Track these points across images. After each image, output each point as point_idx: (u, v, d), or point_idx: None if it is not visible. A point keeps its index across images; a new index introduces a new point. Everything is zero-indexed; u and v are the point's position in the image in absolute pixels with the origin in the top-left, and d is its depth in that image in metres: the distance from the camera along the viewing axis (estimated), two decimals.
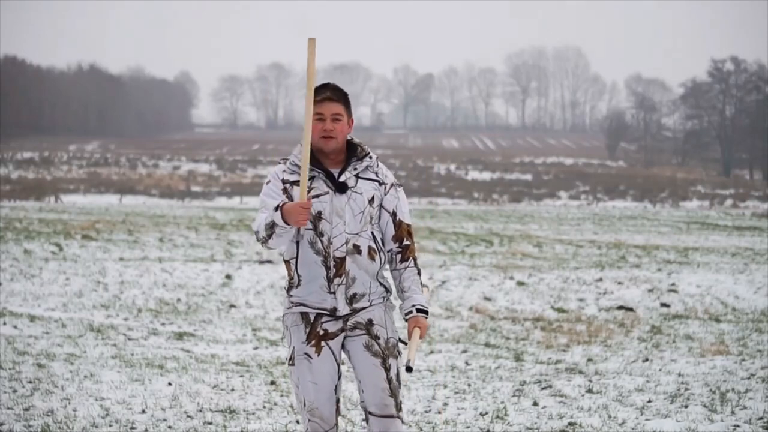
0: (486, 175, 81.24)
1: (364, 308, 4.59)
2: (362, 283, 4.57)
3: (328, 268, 4.53)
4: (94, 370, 8.73)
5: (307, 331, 4.57)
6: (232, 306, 14.02)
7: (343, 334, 4.59)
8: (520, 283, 16.49)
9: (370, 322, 4.59)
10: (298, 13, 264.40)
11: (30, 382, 8.10)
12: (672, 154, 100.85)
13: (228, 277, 16.88)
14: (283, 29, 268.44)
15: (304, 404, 4.57)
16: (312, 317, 4.58)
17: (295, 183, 4.58)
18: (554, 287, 16.11)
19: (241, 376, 8.83)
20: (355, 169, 4.62)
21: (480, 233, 30.74)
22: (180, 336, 11.30)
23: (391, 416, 4.58)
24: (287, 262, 4.62)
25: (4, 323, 11.28)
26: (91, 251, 21.09)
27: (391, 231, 4.66)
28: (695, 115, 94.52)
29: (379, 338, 4.59)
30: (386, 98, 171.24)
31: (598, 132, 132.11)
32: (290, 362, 4.61)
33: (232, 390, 8.18)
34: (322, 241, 4.53)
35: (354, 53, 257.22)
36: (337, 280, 4.54)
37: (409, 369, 4.45)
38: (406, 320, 4.66)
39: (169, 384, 8.24)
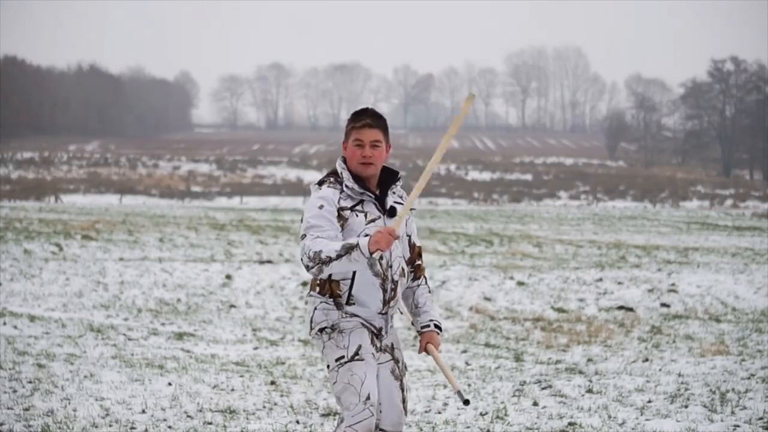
0: (486, 175, 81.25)
1: (389, 329, 4.76)
2: (399, 303, 4.76)
3: (385, 291, 4.65)
4: (94, 370, 8.72)
5: (371, 336, 4.67)
6: (232, 306, 14.02)
7: (380, 354, 4.73)
8: (520, 283, 16.49)
9: (392, 347, 4.75)
10: (297, 12, 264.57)
11: (30, 382, 8.10)
12: (672, 154, 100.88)
13: (228, 277, 16.88)
14: (282, 29, 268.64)
15: (368, 398, 4.56)
16: (369, 326, 4.69)
17: (353, 209, 4.61)
18: (554, 287, 16.11)
19: (241, 376, 8.83)
20: (394, 192, 4.77)
21: (480, 233, 30.74)
22: (180, 336, 11.30)
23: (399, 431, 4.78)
24: (335, 282, 4.63)
25: (4, 323, 11.28)
26: (91, 251, 21.09)
27: (407, 253, 4.81)
28: (695, 115, 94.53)
29: (398, 362, 4.76)
30: (386, 98, 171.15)
31: (598, 132, 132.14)
32: (355, 358, 4.59)
33: (232, 390, 8.17)
34: (381, 264, 4.62)
35: (354, 53, 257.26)
36: (391, 303, 4.68)
37: (467, 402, 4.61)
38: (420, 333, 4.82)
39: (169, 384, 8.24)
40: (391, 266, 4.64)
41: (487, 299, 14.85)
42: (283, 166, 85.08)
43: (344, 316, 4.63)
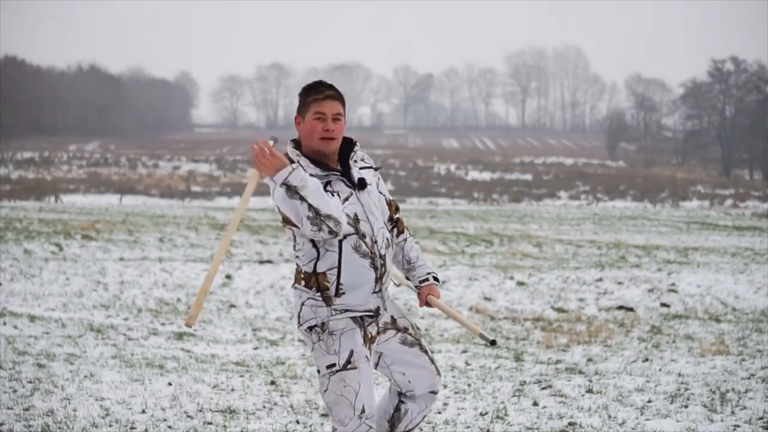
0: (486, 175, 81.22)
1: (384, 303, 4.52)
2: (391, 274, 4.53)
3: (376, 269, 4.40)
4: (94, 370, 8.72)
5: (362, 334, 4.43)
6: (232, 306, 14.02)
7: (378, 337, 4.51)
8: (520, 283, 16.49)
9: (393, 319, 4.53)
10: (297, 12, 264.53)
11: (30, 382, 8.10)
12: (672, 154, 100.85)
13: (228, 277, 16.87)
14: (282, 29, 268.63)
15: (363, 410, 4.37)
16: (359, 320, 4.44)
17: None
18: (554, 287, 16.11)
19: (241, 376, 8.83)
20: (355, 162, 4.49)
21: (480, 233, 30.74)
22: (180, 336, 11.29)
23: (436, 392, 4.62)
24: (322, 274, 4.38)
25: (4, 323, 11.28)
26: (91, 251, 21.09)
27: (386, 213, 4.58)
28: (695, 115, 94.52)
29: (407, 329, 4.56)
30: (386, 98, 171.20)
31: (598, 132, 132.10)
32: (348, 366, 4.37)
33: (232, 390, 8.17)
34: (366, 243, 4.37)
35: (354, 53, 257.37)
36: (384, 279, 4.44)
37: (494, 342, 4.49)
38: (419, 287, 4.62)
39: (169, 384, 8.24)
40: (376, 242, 4.38)
41: (487, 299, 14.85)
42: None
43: (333, 313, 4.38)
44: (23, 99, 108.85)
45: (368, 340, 4.45)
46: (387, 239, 4.46)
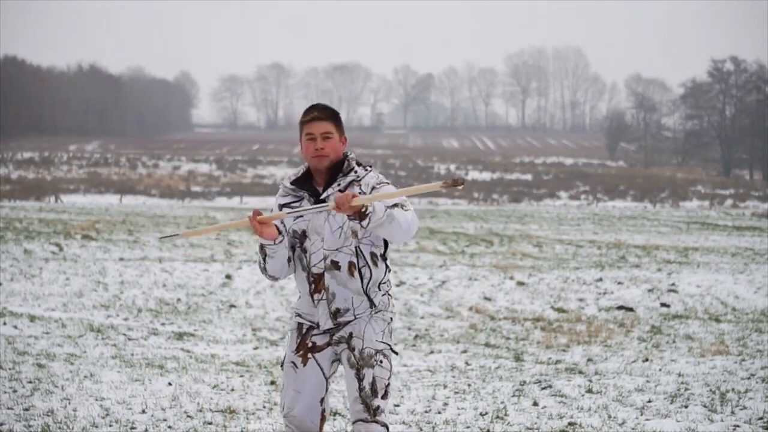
0: (486, 175, 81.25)
1: (348, 322, 4.71)
2: (343, 298, 4.68)
3: (310, 284, 4.71)
4: (94, 370, 8.72)
5: (298, 341, 4.76)
6: (232, 306, 14.02)
7: (330, 348, 4.74)
8: (520, 283, 16.49)
9: (350, 336, 4.72)
10: (297, 12, 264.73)
11: (30, 382, 8.09)
12: (672, 154, 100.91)
13: (228, 277, 16.88)
14: (282, 29, 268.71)
15: (283, 408, 4.76)
16: (305, 329, 4.76)
17: (286, 205, 4.74)
18: (554, 287, 16.11)
19: (241, 376, 8.83)
20: (339, 184, 4.69)
21: (480, 233, 30.74)
22: (180, 336, 11.30)
23: (364, 420, 4.69)
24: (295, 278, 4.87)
25: (4, 323, 11.27)
26: (91, 251, 21.09)
27: (349, 237, 4.70)
28: (695, 115, 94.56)
29: (354, 350, 4.70)
30: (386, 98, 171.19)
31: (598, 132, 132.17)
32: (283, 365, 4.82)
33: (232, 390, 8.17)
34: (305, 258, 4.70)
35: (354, 53, 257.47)
36: (316, 296, 4.70)
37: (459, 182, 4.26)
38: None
39: (169, 384, 8.24)
40: (310, 259, 4.67)
41: (487, 299, 14.85)
42: (283, 166, 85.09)
43: (293, 315, 4.80)
44: (23, 99, 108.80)
45: (305, 349, 4.73)
46: (332, 262, 4.68)
